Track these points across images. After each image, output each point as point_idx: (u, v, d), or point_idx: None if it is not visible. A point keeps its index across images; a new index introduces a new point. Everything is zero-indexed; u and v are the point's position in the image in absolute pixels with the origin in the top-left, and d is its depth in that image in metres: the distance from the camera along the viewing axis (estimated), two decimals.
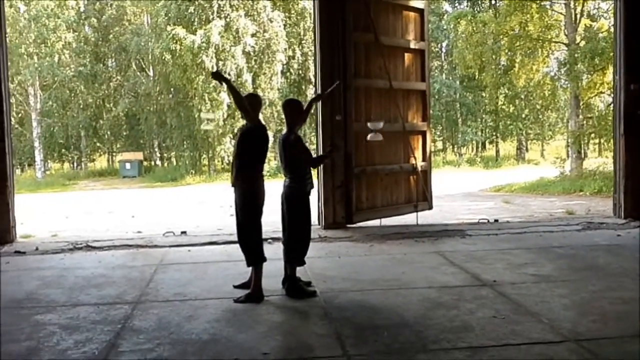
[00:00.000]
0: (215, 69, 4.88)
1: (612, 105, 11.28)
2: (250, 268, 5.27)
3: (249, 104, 5.19)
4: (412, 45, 9.36)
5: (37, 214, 12.93)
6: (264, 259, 5.24)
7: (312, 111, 7.40)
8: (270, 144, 5.35)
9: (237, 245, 7.13)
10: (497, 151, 37.31)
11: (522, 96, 30.52)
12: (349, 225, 8.57)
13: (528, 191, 18.16)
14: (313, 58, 11.72)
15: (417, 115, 9.55)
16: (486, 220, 9.01)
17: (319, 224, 8.56)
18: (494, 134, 36.54)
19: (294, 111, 5.45)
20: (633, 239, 7.57)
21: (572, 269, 6.13)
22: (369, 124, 8.40)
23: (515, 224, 9.05)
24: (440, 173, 26.85)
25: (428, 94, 9.71)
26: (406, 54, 9.33)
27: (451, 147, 39.85)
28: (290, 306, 5.00)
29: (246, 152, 5.17)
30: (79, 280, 5.98)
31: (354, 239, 7.88)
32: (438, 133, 38.78)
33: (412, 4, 9.39)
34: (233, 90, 5.18)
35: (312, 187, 5.48)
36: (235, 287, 5.48)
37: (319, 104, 8.34)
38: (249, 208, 5.19)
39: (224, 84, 5.19)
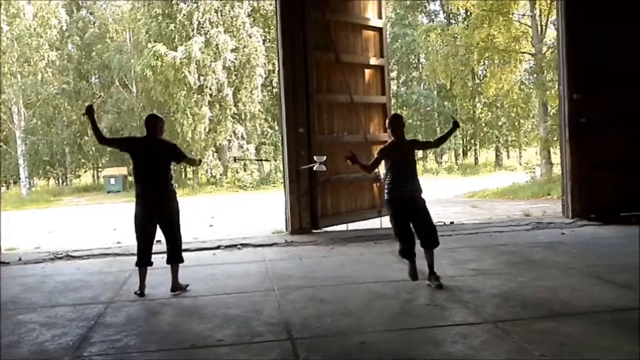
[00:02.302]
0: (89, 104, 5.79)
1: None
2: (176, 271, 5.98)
3: (154, 125, 5.92)
4: (372, 62, 10.02)
5: (22, 229, 13.36)
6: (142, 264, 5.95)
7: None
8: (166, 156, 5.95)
9: (208, 252, 7.78)
10: (476, 158, 38.10)
11: (498, 105, 31.34)
12: (314, 231, 9.15)
13: (499, 196, 18.85)
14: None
15: (378, 126, 10.16)
16: (442, 223, 9.62)
17: (286, 230, 9.14)
18: (472, 141, 37.33)
19: (400, 125, 6.19)
20: (574, 236, 8.24)
21: (509, 263, 6.75)
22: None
23: (469, 225, 9.68)
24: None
25: (388, 107, 10.34)
26: (366, 70, 9.99)
27: (432, 155, 40.57)
28: (248, 301, 5.54)
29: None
30: (58, 285, 6.50)
31: (317, 242, 8.46)
32: None
33: (372, 23, 10.04)
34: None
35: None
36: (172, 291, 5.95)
37: (283, 114, 9.01)
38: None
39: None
